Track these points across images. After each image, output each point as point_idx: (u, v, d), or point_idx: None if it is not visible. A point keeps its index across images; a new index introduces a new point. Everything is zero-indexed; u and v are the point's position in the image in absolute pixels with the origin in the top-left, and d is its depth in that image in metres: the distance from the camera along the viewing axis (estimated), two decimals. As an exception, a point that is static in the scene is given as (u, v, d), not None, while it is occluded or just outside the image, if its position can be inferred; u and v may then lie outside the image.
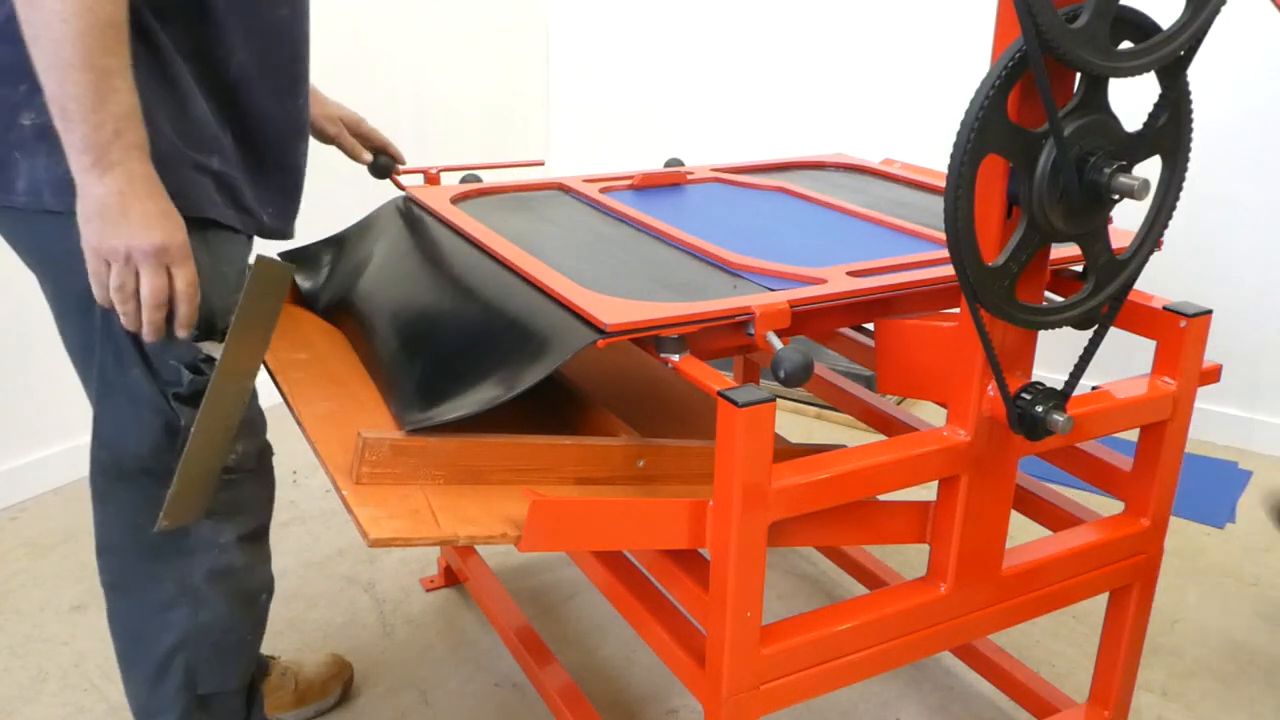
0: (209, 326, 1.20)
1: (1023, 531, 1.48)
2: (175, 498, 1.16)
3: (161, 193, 1.08)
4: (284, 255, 1.62)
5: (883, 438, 1.30)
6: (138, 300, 1.09)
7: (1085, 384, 1.21)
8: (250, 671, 1.42)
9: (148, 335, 1.11)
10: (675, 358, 1.15)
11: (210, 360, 1.18)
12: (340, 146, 1.63)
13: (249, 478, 1.33)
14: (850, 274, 1.30)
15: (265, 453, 1.39)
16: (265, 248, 1.32)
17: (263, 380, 1.32)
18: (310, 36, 1.33)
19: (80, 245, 1.08)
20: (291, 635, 1.97)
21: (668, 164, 1.95)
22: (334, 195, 1.81)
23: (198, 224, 1.16)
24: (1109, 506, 1.51)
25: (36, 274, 1.25)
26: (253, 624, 1.40)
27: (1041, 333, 1.17)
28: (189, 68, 1.16)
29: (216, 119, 1.21)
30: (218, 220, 1.20)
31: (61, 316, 1.26)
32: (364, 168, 1.67)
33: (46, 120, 1.04)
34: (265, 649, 1.79)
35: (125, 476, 1.27)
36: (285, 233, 1.37)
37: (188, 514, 1.21)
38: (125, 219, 1.04)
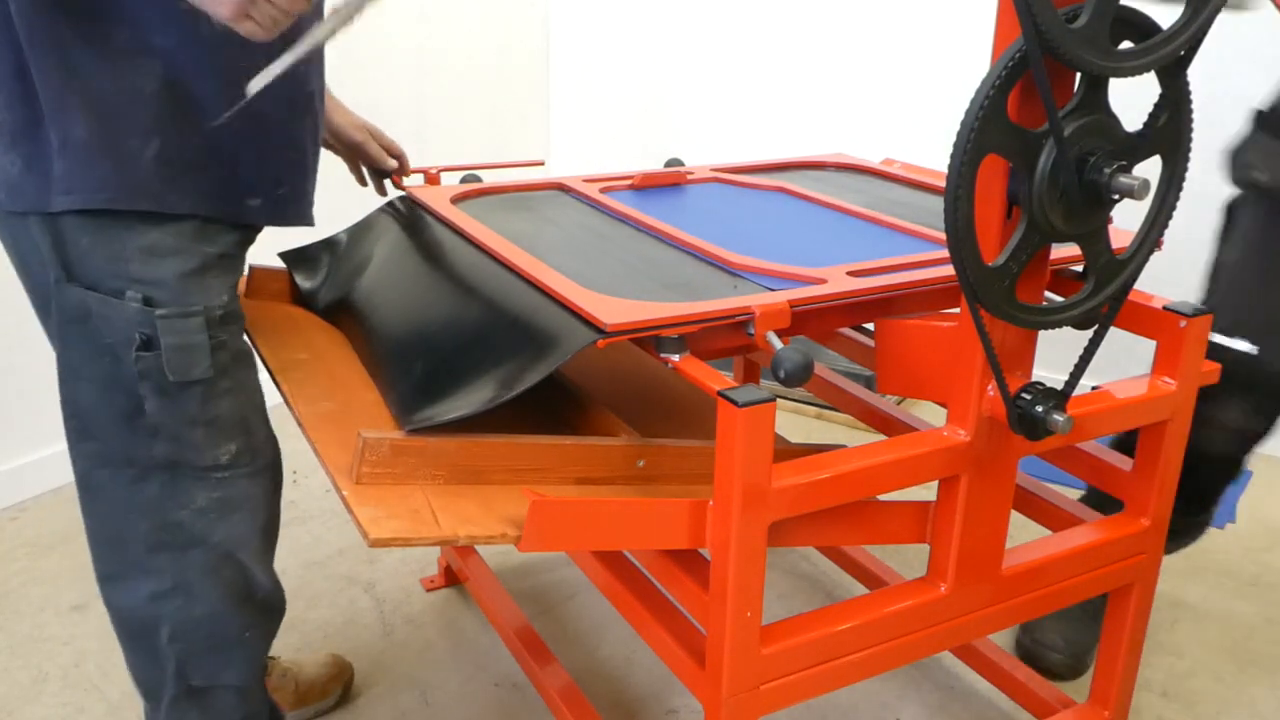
0: None
1: (1023, 531, 1.48)
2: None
3: None
4: (284, 255, 1.62)
5: (883, 438, 1.30)
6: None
7: (1085, 384, 1.21)
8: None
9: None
10: (675, 358, 1.15)
11: None
12: (366, 154, 1.61)
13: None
14: (850, 274, 1.30)
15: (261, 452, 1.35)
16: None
17: (263, 380, 1.32)
18: None
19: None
20: (291, 635, 1.96)
21: (668, 164, 1.95)
22: (334, 195, 1.80)
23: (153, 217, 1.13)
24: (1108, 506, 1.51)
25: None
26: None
27: (1041, 333, 1.17)
28: (135, 36, 1.10)
29: (176, 97, 1.14)
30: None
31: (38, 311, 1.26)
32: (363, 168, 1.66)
33: None
34: (265, 649, 1.79)
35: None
36: (292, 216, 1.29)
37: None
38: None
